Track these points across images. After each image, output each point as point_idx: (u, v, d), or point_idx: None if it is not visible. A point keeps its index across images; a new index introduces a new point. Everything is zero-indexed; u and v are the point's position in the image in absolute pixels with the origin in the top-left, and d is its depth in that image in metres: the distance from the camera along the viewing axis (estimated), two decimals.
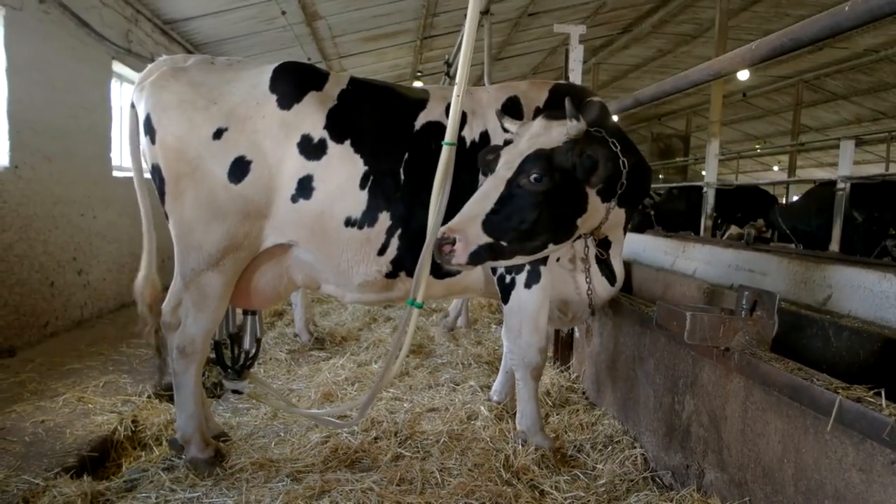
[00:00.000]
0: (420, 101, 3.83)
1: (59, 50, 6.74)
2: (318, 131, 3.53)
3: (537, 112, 3.88)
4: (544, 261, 3.79)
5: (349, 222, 3.57)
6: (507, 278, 3.82)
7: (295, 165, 3.49)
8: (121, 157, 8.72)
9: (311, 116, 3.54)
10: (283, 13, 9.84)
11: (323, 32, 11.73)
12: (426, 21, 12.36)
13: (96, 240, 7.51)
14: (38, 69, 6.32)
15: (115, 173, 8.14)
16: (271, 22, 10.23)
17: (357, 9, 10.78)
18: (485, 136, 3.83)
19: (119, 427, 4.08)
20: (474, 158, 3.74)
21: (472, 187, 3.70)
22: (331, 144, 3.54)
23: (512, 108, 3.89)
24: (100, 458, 3.82)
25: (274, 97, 3.52)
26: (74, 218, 7.03)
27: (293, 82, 3.58)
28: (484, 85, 6.87)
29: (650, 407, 3.98)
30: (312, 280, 3.85)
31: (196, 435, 3.73)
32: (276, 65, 3.64)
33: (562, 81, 4.22)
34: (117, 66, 8.34)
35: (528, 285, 3.80)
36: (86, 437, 3.91)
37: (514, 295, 3.84)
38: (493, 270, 3.84)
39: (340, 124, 3.58)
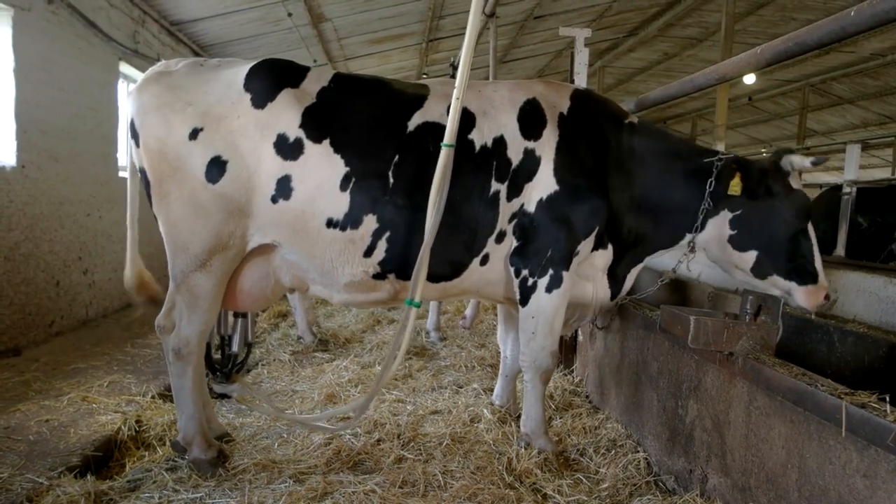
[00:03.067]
0: (416, 99, 3.71)
1: (67, 51, 6.78)
2: (293, 130, 3.47)
3: (561, 117, 3.84)
4: (567, 266, 3.79)
5: (331, 223, 3.51)
6: (530, 281, 3.79)
7: (272, 165, 3.45)
8: (127, 157, 8.76)
9: (285, 115, 3.48)
10: (290, 15, 9.87)
11: (329, 34, 11.76)
12: (432, 24, 12.37)
13: (102, 240, 7.54)
14: (45, 70, 6.36)
15: (122, 174, 8.17)
16: (277, 24, 10.27)
17: (363, 11, 10.81)
18: (499, 142, 3.71)
19: (123, 427, 4.09)
20: (483, 164, 3.66)
21: (480, 194, 3.66)
22: (308, 144, 3.47)
23: (532, 111, 3.82)
24: (103, 458, 3.83)
25: (248, 96, 3.48)
26: (80, 218, 7.06)
27: (267, 80, 3.52)
28: None
29: (653, 411, 3.97)
30: (300, 281, 3.80)
31: (197, 436, 3.72)
32: (252, 63, 3.60)
33: (580, 86, 4.18)
34: (124, 67, 8.38)
35: (548, 289, 3.79)
36: (90, 437, 3.93)
37: (533, 298, 3.82)
38: (517, 272, 3.81)
39: (318, 123, 3.51)
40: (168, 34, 9.43)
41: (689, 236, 3.97)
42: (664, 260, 4.21)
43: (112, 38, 7.60)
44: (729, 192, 3.78)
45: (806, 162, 3.71)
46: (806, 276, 3.75)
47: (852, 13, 2.43)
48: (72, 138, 6.87)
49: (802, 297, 3.75)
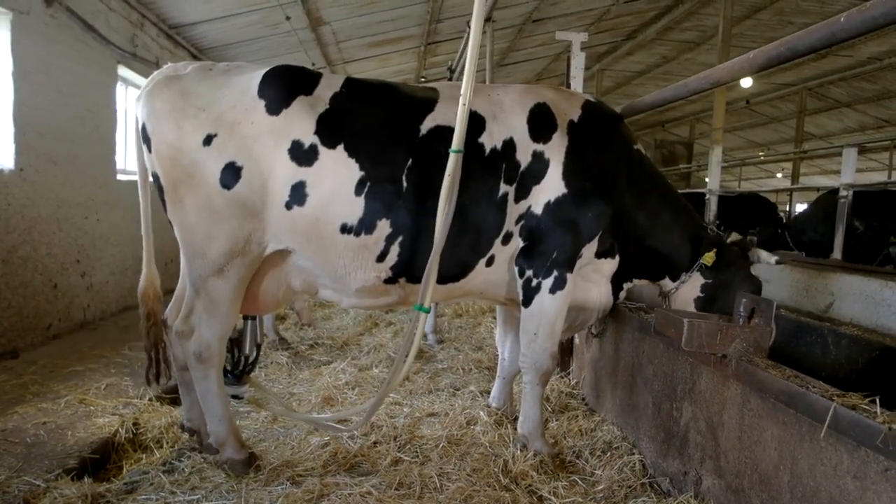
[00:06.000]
0: (427, 103, 3.72)
1: (66, 54, 6.80)
2: (308, 137, 3.48)
3: (571, 125, 3.89)
4: (571, 268, 3.84)
5: (345, 229, 3.52)
6: (534, 282, 3.83)
7: (287, 171, 3.45)
8: (125, 160, 8.79)
9: (300, 122, 3.48)
10: (288, 18, 9.89)
11: (327, 38, 11.79)
12: (430, 27, 12.41)
13: (100, 242, 7.55)
14: (44, 73, 6.38)
15: (120, 176, 8.19)
16: (276, 27, 10.30)
17: (361, 14, 10.83)
18: (509, 145, 3.74)
19: (120, 429, 4.09)
20: (493, 167, 3.69)
21: (489, 196, 3.69)
22: (322, 150, 3.48)
23: (541, 116, 3.85)
24: (101, 460, 3.84)
25: (262, 102, 3.48)
26: (78, 220, 7.08)
27: (281, 87, 3.52)
28: None
29: (649, 413, 3.99)
30: (310, 285, 3.81)
31: (230, 437, 3.73)
32: (265, 69, 3.61)
33: (591, 98, 4.25)
34: (123, 71, 8.40)
35: (552, 291, 3.83)
36: (87, 439, 3.94)
37: (536, 298, 3.86)
38: (521, 272, 3.85)
39: (332, 129, 3.51)
40: (167, 37, 9.45)
41: (669, 282, 4.34)
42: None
43: (110, 42, 7.62)
44: (701, 261, 4.20)
45: (771, 259, 4.28)
46: None
47: (842, 19, 2.46)
48: (70, 141, 6.89)
49: None
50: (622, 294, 4.41)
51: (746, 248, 4.38)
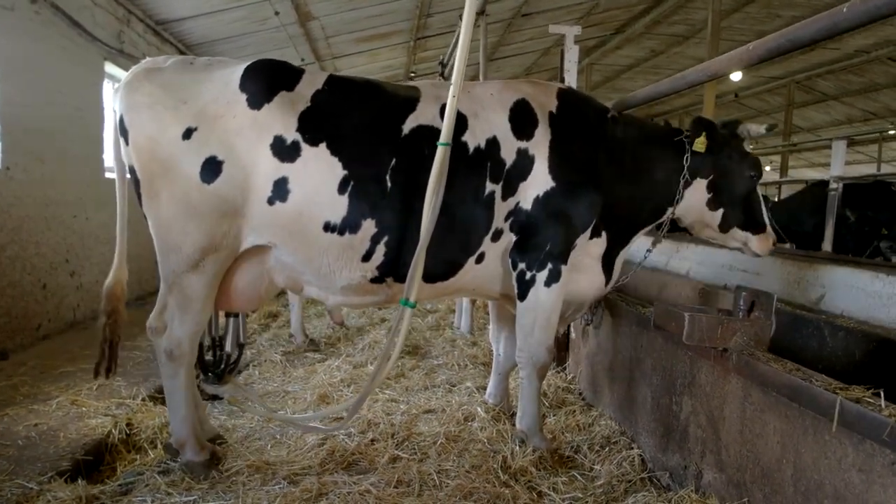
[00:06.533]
0: (409, 102, 3.70)
1: (51, 51, 6.69)
2: (290, 133, 3.44)
3: (551, 116, 3.88)
4: (565, 260, 3.82)
5: (328, 227, 3.48)
6: (528, 275, 3.81)
7: (269, 167, 3.41)
8: (114, 160, 8.67)
9: (282, 117, 3.44)
10: (277, 14, 9.80)
11: (316, 33, 11.70)
12: (420, 21, 12.34)
13: (89, 241, 7.46)
14: (29, 70, 6.27)
15: (108, 174, 8.08)
16: (264, 22, 10.19)
17: (351, 9, 10.75)
18: (492, 143, 3.72)
19: (113, 430, 4.04)
20: (478, 166, 3.67)
21: (475, 194, 3.67)
22: (304, 147, 3.44)
23: (522, 112, 3.84)
24: (94, 462, 3.78)
25: (244, 96, 3.44)
26: (67, 219, 6.98)
27: (263, 81, 3.48)
28: None
29: (647, 408, 3.98)
30: (294, 282, 3.77)
31: (190, 438, 3.69)
32: (247, 63, 3.57)
33: (562, 85, 4.23)
34: (109, 67, 8.28)
35: (547, 284, 3.81)
36: (80, 441, 3.88)
37: (532, 292, 3.84)
38: (514, 265, 3.83)
39: (314, 127, 3.48)
40: (153, 33, 9.33)
41: (669, 210, 4.19)
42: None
43: (97, 38, 7.51)
44: (694, 149, 4.01)
45: (761, 129, 4.12)
46: (758, 225, 4.22)
47: (844, 9, 2.44)
48: (57, 139, 6.78)
49: (757, 244, 4.22)
50: (616, 272, 4.28)
51: (734, 125, 4.18)
